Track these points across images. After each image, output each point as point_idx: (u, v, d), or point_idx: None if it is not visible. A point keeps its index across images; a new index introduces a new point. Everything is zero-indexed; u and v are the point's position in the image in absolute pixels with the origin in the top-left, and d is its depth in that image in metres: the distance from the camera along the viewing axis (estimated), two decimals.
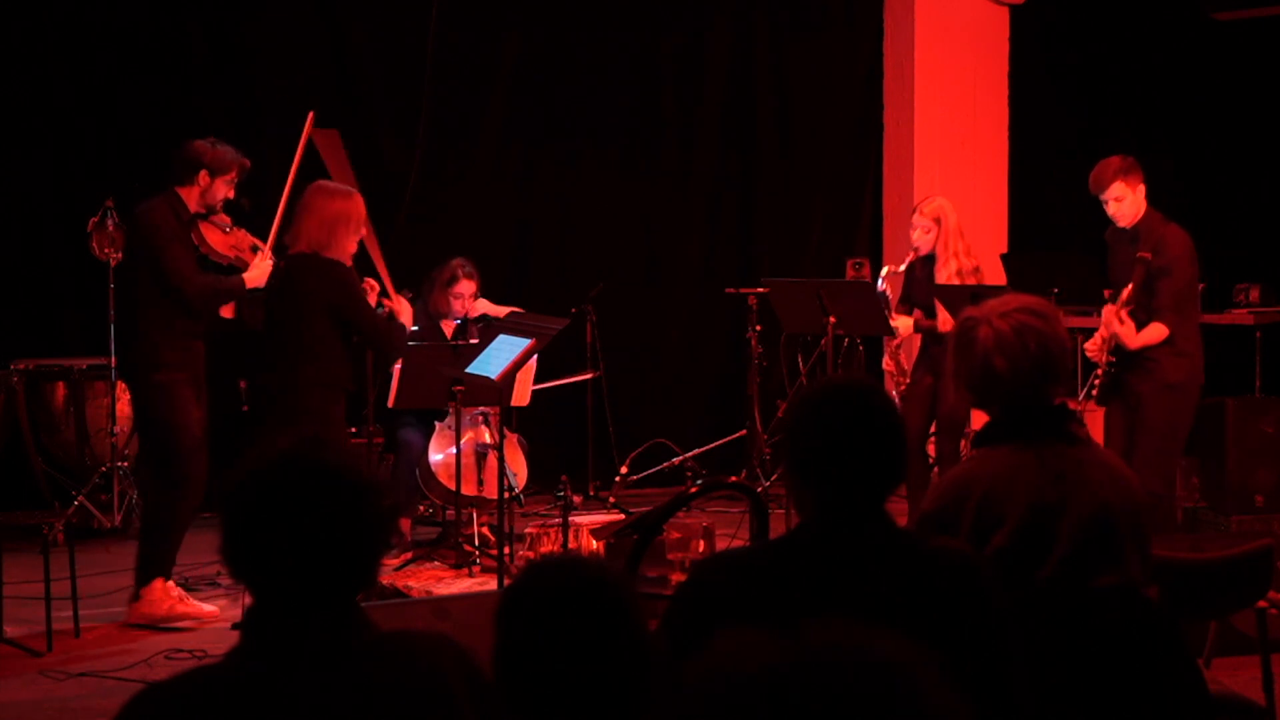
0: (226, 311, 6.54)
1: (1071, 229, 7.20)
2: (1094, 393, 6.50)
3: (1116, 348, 6.43)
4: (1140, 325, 6.39)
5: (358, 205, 6.29)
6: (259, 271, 6.42)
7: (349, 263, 6.28)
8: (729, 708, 1.25)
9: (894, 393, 7.80)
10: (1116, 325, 6.33)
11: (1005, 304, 3.27)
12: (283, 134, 8.53)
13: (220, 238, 6.45)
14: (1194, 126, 10.52)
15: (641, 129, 9.81)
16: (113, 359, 7.59)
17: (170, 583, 6.54)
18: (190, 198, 6.39)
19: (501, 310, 7.88)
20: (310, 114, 6.73)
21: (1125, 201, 6.45)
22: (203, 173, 6.36)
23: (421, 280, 7.93)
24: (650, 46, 9.78)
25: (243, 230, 6.54)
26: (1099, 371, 6.50)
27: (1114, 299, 6.44)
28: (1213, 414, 7.83)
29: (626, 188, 9.71)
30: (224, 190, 6.42)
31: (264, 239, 6.57)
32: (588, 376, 8.57)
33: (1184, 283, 6.42)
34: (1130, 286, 6.30)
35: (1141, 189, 6.48)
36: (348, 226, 6.23)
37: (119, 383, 7.76)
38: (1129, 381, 6.45)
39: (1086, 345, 6.55)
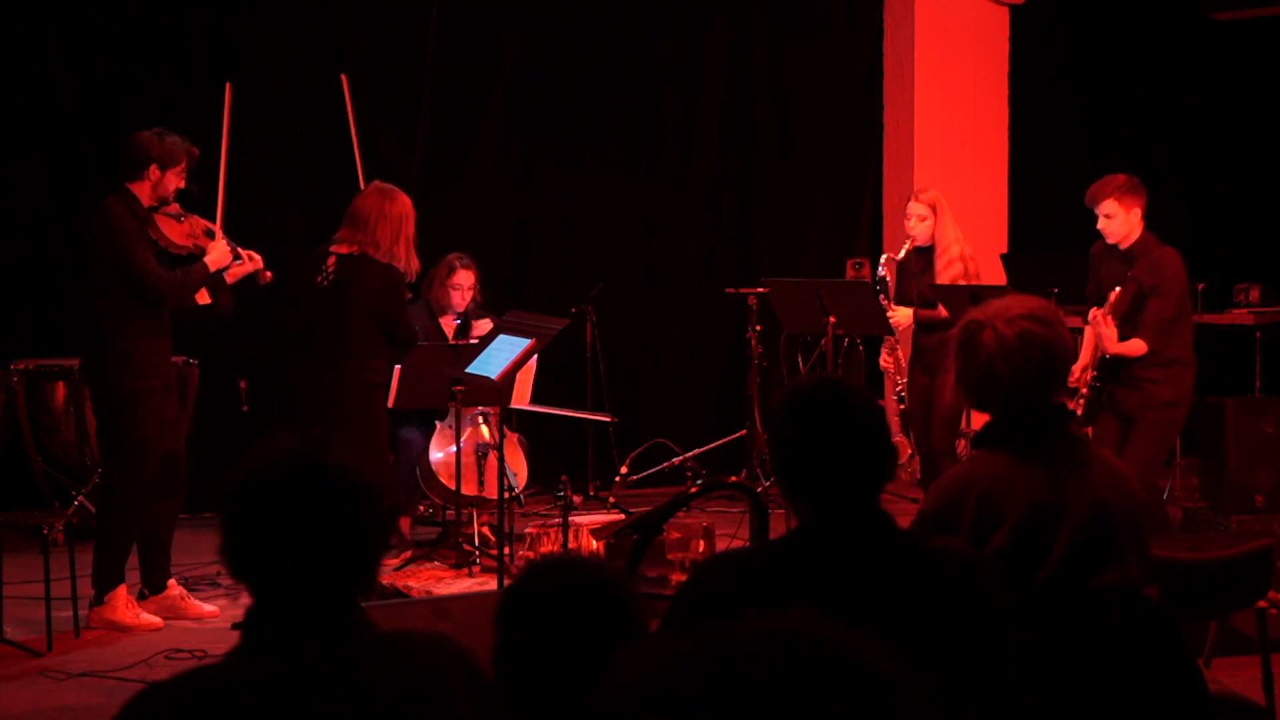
0: (203, 298, 6.47)
1: (1071, 229, 7.21)
2: (1079, 414, 6.51)
3: (1100, 363, 6.45)
4: (1122, 339, 6.42)
5: (406, 205, 6.49)
6: (218, 253, 6.43)
7: (412, 275, 6.49)
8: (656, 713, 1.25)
9: (892, 393, 7.79)
10: (1101, 327, 6.35)
11: (1010, 308, 3.27)
12: (283, 134, 8.56)
13: (175, 228, 6.40)
14: (1194, 126, 10.53)
15: (641, 129, 9.80)
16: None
17: (172, 581, 6.55)
18: (142, 192, 6.30)
19: None
20: (228, 84, 6.74)
21: (1115, 220, 6.46)
22: (153, 166, 6.28)
23: (421, 280, 7.92)
24: (650, 46, 9.78)
25: (195, 216, 6.51)
26: (1083, 391, 6.51)
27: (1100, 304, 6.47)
28: (1213, 414, 7.84)
29: (626, 188, 9.70)
30: (175, 182, 6.34)
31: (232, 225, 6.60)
32: (605, 419, 8.54)
33: (1173, 305, 6.43)
34: (1119, 291, 6.32)
35: (1137, 211, 6.48)
36: (410, 231, 6.42)
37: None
38: (1123, 399, 6.47)
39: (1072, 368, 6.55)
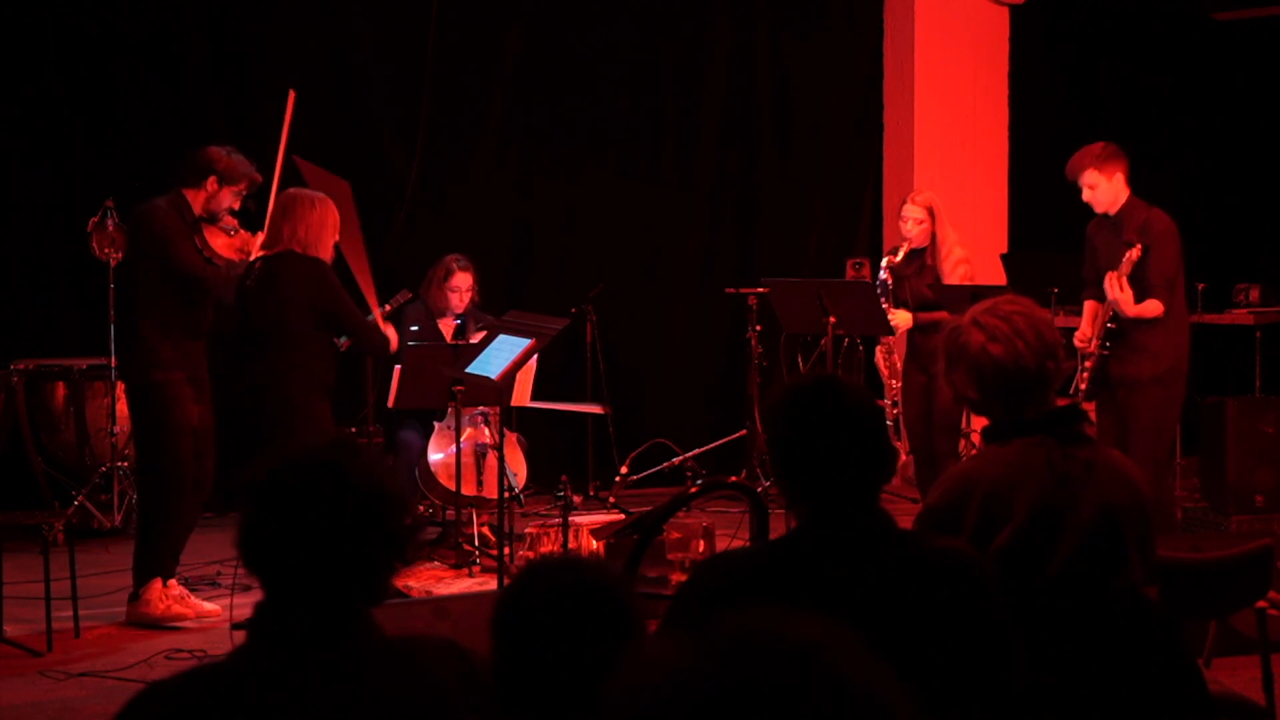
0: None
1: (1071, 229, 7.21)
2: (1082, 386, 6.50)
3: (1108, 333, 6.45)
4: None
5: (333, 210, 6.41)
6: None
7: (328, 260, 6.38)
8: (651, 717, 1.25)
9: (888, 396, 7.79)
10: (1115, 292, 6.34)
11: (982, 305, 3.30)
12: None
13: (224, 241, 6.46)
14: (1194, 126, 10.53)
15: (641, 129, 9.81)
16: (112, 359, 7.60)
17: (172, 581, 6.55)
18: (195, 201, 6.38)
19: None
20: (291, 92, 6.72)
21: (1099, 189, 6.49)
22: (212, 179, 6.35)
23: (420, 281, 7.94)
24: (650, 46, 9.79)
25: (247, 232, 6.54)
26: (1088, 364, 6.50)
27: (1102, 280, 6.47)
28: (1213, 414, 7.84)
29: (626, 187, 9.71)
30: (230, 200, 6.41)
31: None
32: (596, 410, 8.43)
33: (1171, 262, 6.45)
34: (1133, 251, 6.31)
35: (1119, 176, 6.49)
36: (326, 229, 6.36)
37: (119, 383, 7.76)
38: (1116, 374, 6.46)
39: (1075, 336, 6.56)
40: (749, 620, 1.29)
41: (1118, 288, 6.34)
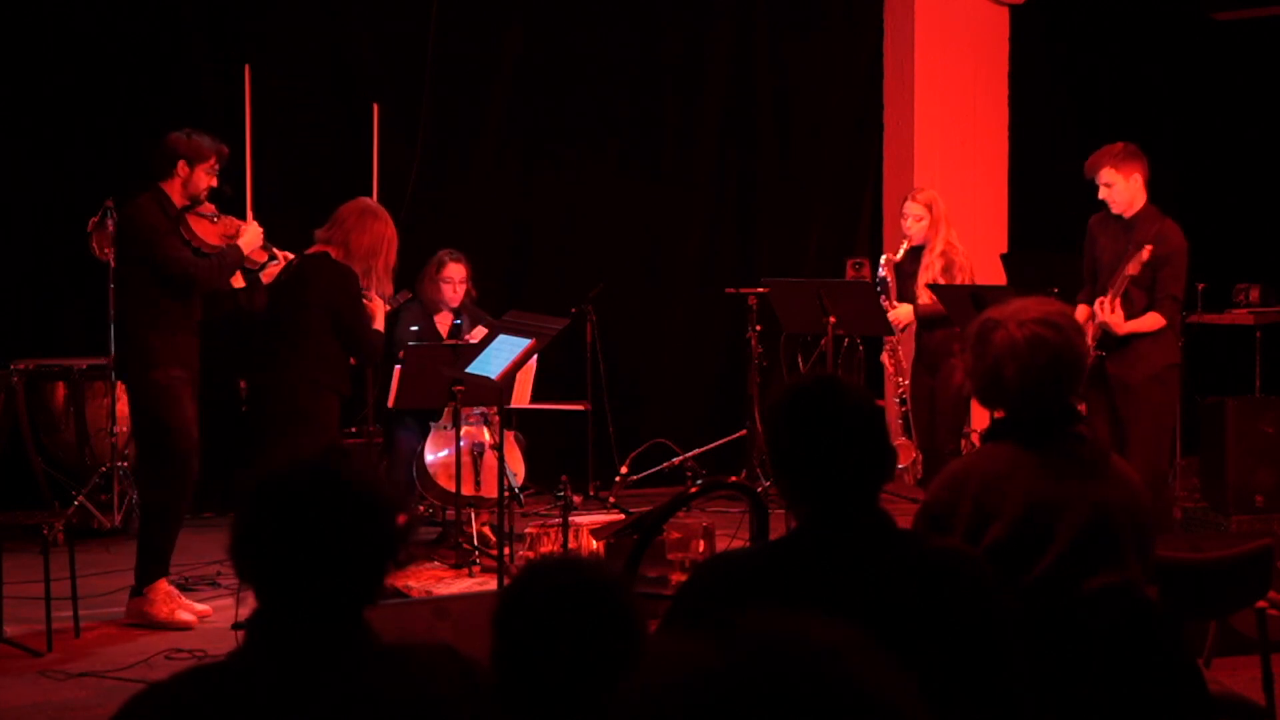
0: (238, 281, 6.55)
1: (1071, 229, 7.22)
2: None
3: (1103, 339, 6.46)
4: (1129, 313, 6.42)
5: (392, 240, 6.55)
6: (251, 235, 6.50)
7: (389, 292, 6.57)
8: (669, 715, 1.24)
9: (893, 395, 7.80)
10: (1105, 314, 6.36)
11: (1027, 310, 3.27)
12: (283, 133, 8.56)
13: (209, 228, 6.46)
14: (1194, 126, 10.53)
15: (642, 129, 9.80)
16: (112, 358, 7.60)
17: (164, 580, 6.54)
18: (174, 191, 6.37)
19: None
20: (246, 66, 6.71)
21: (1115, 188, 6.48)
22: (181, 163, 6.34)
23: (414, 282, 7.93)
24: (650, 46, 9.78)
25: (229, 217, 6.55)
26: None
27: (1099, 292, 6.49)
28: (1213, 414, 7.84)
29: (626, 187, 9.70)
30: (205, 179, 6.39)
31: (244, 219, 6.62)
32: (578, 407, 8.44)
33: (1184, 278, 6.49)
34: (1121, 275, 6.33)
35: (1138, 177, 6.49)
36: (387, 255, 6.49)
37: (119, 383, 7.75)
38: (1113, 373, 6.47)
39: None
40: (770, 622, 1.29)
41: (1109, 309, 6.36)
